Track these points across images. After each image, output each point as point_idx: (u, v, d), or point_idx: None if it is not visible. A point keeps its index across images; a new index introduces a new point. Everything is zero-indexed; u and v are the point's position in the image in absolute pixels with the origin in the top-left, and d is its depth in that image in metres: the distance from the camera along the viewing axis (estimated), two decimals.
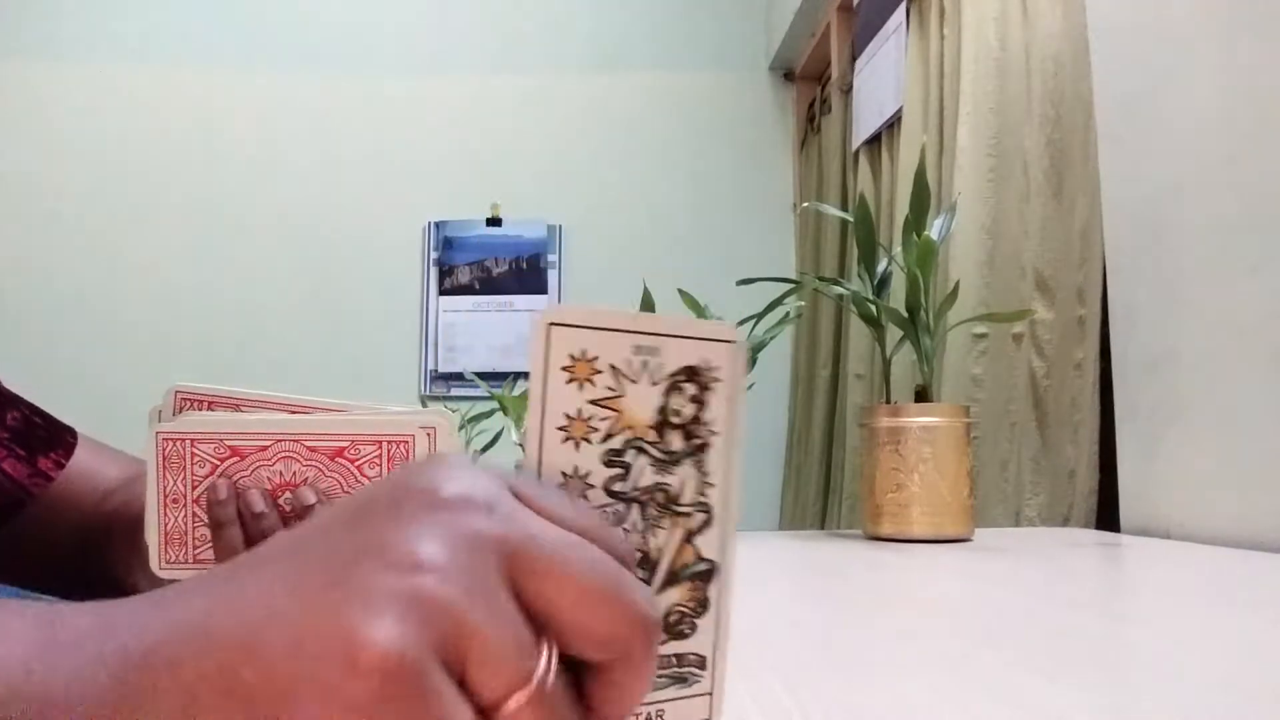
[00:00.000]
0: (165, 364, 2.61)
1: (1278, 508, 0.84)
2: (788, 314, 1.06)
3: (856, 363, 2.02)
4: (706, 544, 0.29)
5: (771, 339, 1.05)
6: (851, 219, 1.09)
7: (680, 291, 1.08)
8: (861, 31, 2.19)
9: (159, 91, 2.80)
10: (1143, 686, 0.39)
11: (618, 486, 0.28)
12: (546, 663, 0.21)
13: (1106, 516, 1.21)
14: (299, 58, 2.85)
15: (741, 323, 1.05)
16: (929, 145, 1.65)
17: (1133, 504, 1.05)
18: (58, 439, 0.70)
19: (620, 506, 0.28)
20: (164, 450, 0.51)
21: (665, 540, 0.29)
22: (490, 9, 2.93)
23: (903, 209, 1.20)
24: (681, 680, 0.29)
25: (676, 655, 0.29)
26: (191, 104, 2.81)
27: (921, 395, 1.00)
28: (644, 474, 0.28)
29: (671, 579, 0.29)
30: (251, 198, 2.79)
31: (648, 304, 1.06)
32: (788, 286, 1.06)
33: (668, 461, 0.29)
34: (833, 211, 1.36)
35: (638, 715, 0.29)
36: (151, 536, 0.52)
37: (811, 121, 2.77)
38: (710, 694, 0.30)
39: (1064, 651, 0.45)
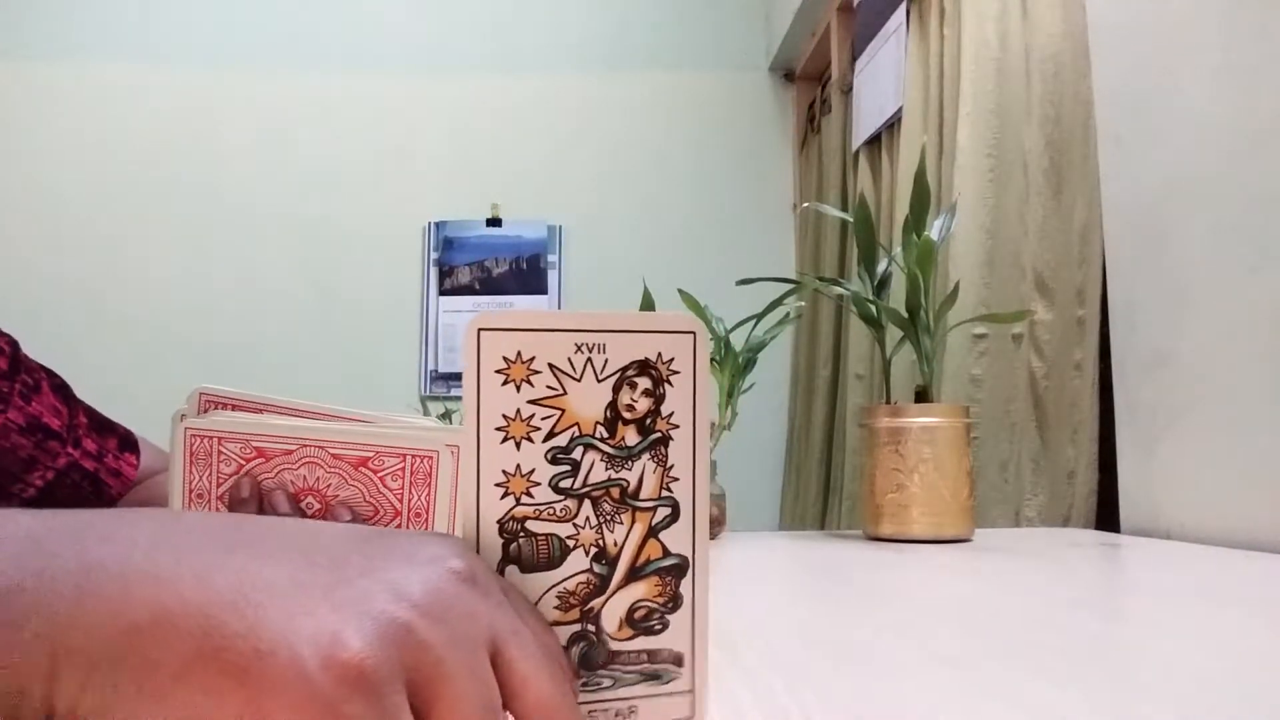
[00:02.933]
0: (166, 364, 2.62)
1: (1278, 508, 0.84)
2: (788, 314, 1.06)
3: (856, 363, 2.02)
4: (674, 539, 0.29)
5: (771, 339, 1.05)
6: (851, 219, 1.09)
7: (680, 291, 1.08)
8: (861, 32, 2.19)
9: (159, 92, 2.80)
10: (1143, 686, 0.39)
11: (565, 483, 0.28)
12: None
13: (1106, 516, 1.21)
14: (299, 58, 2.85)
15: (741, 323, 1.05)
16: (929, 145, 1.65)
17: (1133, 504, 1.05)
18: (125, 470, 0.75)
19: (569, 503, 0.28)
20: (191, 446, 0.52)
21: (625, 535, 0.29)
22: (490, 9, 2.93)
23: (903, 209, 1.20)
24: (655, 677, 0.29)
25: (647, 651, 0.29)
26: (192, 104, 2.81)
27: (921, 395, 0.99)
28: (594, 470, 0.28)
29: (634, 574, 0.29)
30: (252, 197, 2.79)
31: (648, 304, 1.06)
32: (788, 286, 1.06)
33: (620, 457, 0.29)
34: (833, 212, 1.36)
35: (606, 710, 0.28)
36: None
37: (811, 122, 2.77)
38: (691, 692, 0.29)
39: (1064, 651, 0.45)
